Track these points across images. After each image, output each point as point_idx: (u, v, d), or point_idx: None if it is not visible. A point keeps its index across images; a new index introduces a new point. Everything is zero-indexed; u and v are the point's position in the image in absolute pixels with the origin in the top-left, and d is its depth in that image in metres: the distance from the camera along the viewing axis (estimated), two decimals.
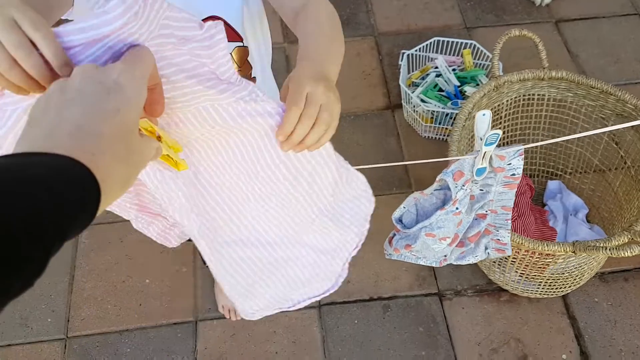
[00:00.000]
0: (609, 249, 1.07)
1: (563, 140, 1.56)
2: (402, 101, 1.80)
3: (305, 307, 1.54)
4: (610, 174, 1.52)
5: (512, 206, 1.02)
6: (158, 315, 1.53)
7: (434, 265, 1.12)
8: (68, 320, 1.54)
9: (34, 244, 0.34)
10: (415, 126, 1.81)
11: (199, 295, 1.57)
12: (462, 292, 1.56)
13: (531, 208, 1.54)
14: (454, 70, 1.79)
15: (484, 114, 0.86)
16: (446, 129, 1.74)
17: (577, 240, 1.15)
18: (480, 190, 1.00)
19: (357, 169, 0.75)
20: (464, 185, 0.94)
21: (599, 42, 2.08)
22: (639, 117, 1.37)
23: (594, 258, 1.31)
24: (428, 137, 1.80)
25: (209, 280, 1.58)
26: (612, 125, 1.46)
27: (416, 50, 1.82)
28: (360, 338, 1.49)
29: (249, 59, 0.94)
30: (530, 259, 1.29)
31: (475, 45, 1.82)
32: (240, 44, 0.90)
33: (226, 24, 0.86)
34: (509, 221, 1.05)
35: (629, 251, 1.04)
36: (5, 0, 0.47)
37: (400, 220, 1.03)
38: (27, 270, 0.34)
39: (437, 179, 0.95)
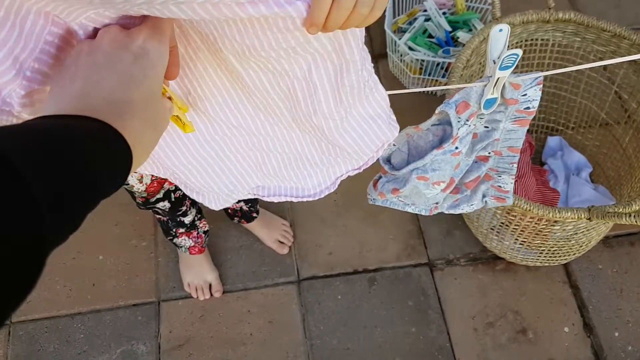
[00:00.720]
0: (633, 216, 0.92)
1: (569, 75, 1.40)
2: (387, 49, 1.60)
3: (283, 283, 1.38)
4: (618, 128, 1.37)
5: (520, 147, 0.86)
6: (114, 295, 1.35)
7: (423, 213, 0.95)
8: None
9: (75, 202, 0.35)
10: (402, 78, 1.62)
11: (161, 272, 1.39)
12: (455, 261, 1.41)
13: (531, 168, 1.39)
14: (444, 14, 1.60)
15: (500, 30, 0.70)
16: (436, 81, 1.56)
17: (593, 206, 0.99)
18: (485, 127, 0.84)
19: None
20: (467, 120, 0.78)
21: None
22: None
23: (604, 223, 1.17)
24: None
25: (173, 255, 1.40)
26: (622, 72, 1.30)
27: None
28: (344, 315, 1.34)
29: None
30: (536, 225, 1.14)
31: None
32: None
33: None
34: (515, 165, 0.89)
35: None
36: None
37: (388, 161, 0.86)
38: (68, 226, 0.35)
39: (436, 111, 0.78)
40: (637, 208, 0.97)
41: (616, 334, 1.30)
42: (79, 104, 0.40)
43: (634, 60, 1.25)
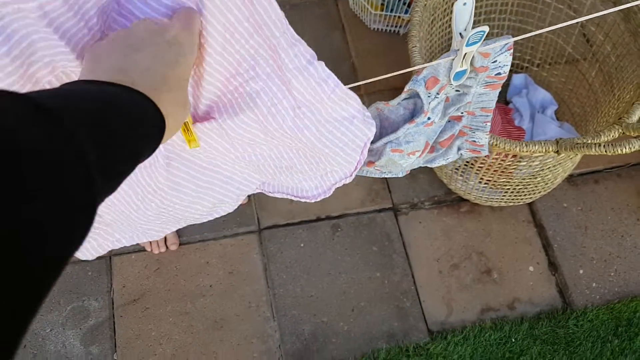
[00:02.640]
0: (603, 146, 0.89)
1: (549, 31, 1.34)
2: None
3: (243, 233, 1.33)
4: (585, 63, 1.33)
5: (493, 107, 0.82)
6: None
7: (400, 175, 0.91)
8: None
9: (119, 165, 0.39)
10: (363, 16, 1.54)
11: None
12: (419, 204, 1.38)
13: (496, 107, 1.34)
14: None
15: (464, 3, 0.65)
16: (399, 17, 1.48)
17: (561, 138, 0.96)
18: (457, 91, 0.79)
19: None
20: (438, 94, 0.73)
21: None
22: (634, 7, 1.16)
23: (571, 158, 1.14)
24: (378, 29, 1.54)
25: None
26: (587, 9, 1.25)
27: None
28: (307, 263, 1.30)
29: None
30: (502, 163, 1.10)
31: None
32: None
33: None
34: (488, 123, 0.85)
35: (627, 147, 0.86)
36: None
37: None
38: (111, 187, 0.38)
39: (405, 89, 0.74)
40: (606, 139, 0.94)
41: (581, 272, 1.30)
42: (117, 75, 0.43)
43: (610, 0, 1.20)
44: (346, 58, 1.54)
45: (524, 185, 1.21)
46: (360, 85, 0.77)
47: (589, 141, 0.92)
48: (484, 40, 0.71)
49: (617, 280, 1.29)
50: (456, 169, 1.26)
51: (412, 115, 0.76)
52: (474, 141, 0.89)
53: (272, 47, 0.56)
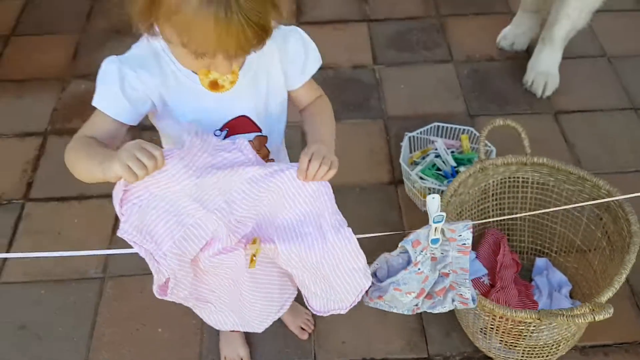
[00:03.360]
0: (567, 317, 1.19)
1: (529, 215, 1.70)
2: (403, 177, 1.97)
3: None
4: (590, 254, 1.63)
5: (468, 268, 1.16)
6: None
7: (406, 313, 1.24)
8: None
9: None
10: (415, 200, 1.97)
11: (204, 346, 1.70)
12: (451, 358, 1.65)
13: (515, 281, 1.66)
14: (452, 152, 1.97)
15: (433, 198, 1.04)
16: None
17: (542, 309, 1.26)
18: (441, 253, 1.16)
19: (360, 237, 1.03)
20: (422, 251, 1.10)
21: (595, 133, 2.24)
22: (612, 202, 1.51)
23: (566, 329, 1.41)
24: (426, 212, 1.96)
25: (215, 333, 1.72)
26: (588, 208, 1.60)
27: (418, 133, 2.02)
28: None
29: (267, 144, 1.15)
30: (505, 326, 1.40)
31: (472, 132, 2.01)
32: (259, 133, 1.13)
33: (249, 119, 1.11)
34: (468, 280, 1.18)
35: (582, 318, 1.15)
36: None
37: (374, 275, 1.18)
38: None
39: (399, 245, 1.12)
40: (577, 312, 1.23)
41: None
42: None
43: (597, 199, 1.55)
44: (400, 229, 1.94)
45: (531, 347, 1.47)
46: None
47: (561, 312, 1.22)
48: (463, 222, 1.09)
49: None
50: (481, 328, 1.55)
51: (407, 264, 1.12)
52: (461, 294, 1.22)
53: (323, 211, 0.97)
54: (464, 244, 1.12)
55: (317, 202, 0.97)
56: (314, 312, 1.16)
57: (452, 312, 1.67)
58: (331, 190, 0.99)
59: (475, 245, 1.73)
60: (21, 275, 1.86)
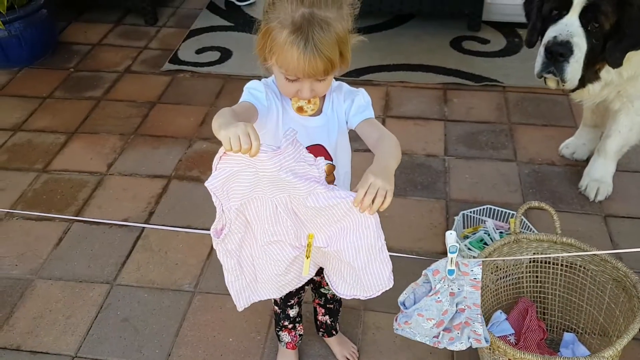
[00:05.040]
0: None
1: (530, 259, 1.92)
2: None
3: None
4: (610, 330, 1.82)
5: (479, 303, 1.43)
6: None
7: (427, 342, 1.52)
8: (169, 355, 2.07)
9: None
10: None
11: (264, 358, 2.03)
12: None
13: (539, 346, 1.86)
14: (500, 232, 2.26)
15: (450, 233, 1.35)
16: None
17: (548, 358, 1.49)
18: (458, 289, 1.44)
19: (393, 255, 1.37)
20: (441, 280, 1.40)
21: None
22: (628, 282, 1.72)
23: None
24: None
25: (274, 349, 2.04)
26: (610, 288, 1.82)
27: (472, 212, 2.33)
28: None
29: (334, 172, 1.55)
30: None
31: (522, 218, 2.29)
32: (330, 162, 1.53)
33: (324, 149, 1.50)
34: (480, 316, 1.45)
35: None
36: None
37: (403, 304, 1.48)
38: None
39: (422, 273, 1.42)
40: None
41: None
42: None
43: (616, 280, 1.77)
44: None
45: None
46: None
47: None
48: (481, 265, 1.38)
49: None
50: None
51: (429, 292, 1.42)
52: (475, 331, 1.48)
53: (370, 233, 1.31)
54: (475, 278, 1.41)
55: (363, 221, 1.31)
56: (339, 295, 1.47)
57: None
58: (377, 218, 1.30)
59: (507, 311, 1.96)
60: (134, 281, 2.33)
